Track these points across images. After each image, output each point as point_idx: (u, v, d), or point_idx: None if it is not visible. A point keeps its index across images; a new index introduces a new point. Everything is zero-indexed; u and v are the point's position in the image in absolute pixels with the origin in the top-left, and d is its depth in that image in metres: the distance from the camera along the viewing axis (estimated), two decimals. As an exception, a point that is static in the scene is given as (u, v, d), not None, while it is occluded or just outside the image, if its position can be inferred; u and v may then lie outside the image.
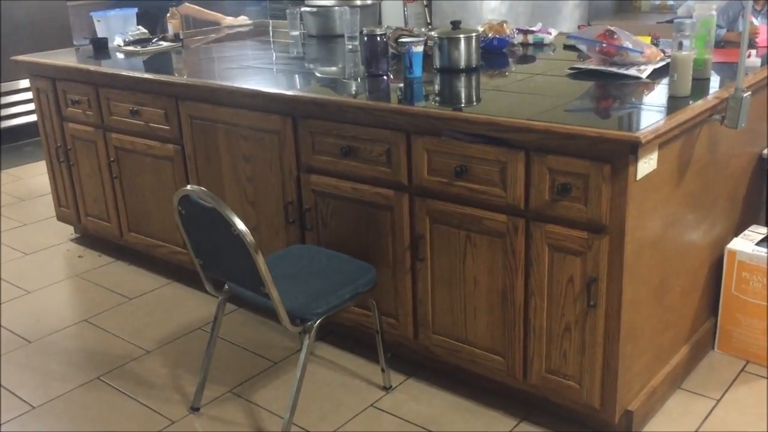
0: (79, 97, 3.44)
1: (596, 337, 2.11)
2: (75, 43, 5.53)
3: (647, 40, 2.74)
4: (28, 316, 3.18)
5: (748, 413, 2.38)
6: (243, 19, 4.65)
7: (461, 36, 2.73)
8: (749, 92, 2.19)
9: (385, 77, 2.76)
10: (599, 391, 2.16)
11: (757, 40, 2.91)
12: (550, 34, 3.23)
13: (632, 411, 2.23)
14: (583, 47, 2.73)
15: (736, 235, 2.66)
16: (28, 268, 3.67)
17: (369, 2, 3.84)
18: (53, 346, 2.95)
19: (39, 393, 2.64)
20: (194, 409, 2.50)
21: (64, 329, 3.07)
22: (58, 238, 3.96)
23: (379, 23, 4.30)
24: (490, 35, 3.05)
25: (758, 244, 2.58)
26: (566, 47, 3.08)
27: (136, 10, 4.56)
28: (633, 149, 1.90)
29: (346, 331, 2.78)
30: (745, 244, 2.58)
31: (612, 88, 2.46)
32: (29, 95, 3.90)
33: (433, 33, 2.83)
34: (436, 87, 2.68)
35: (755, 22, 3.43)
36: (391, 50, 2.89)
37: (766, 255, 2.51)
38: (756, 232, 2.65)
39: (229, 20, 4.62)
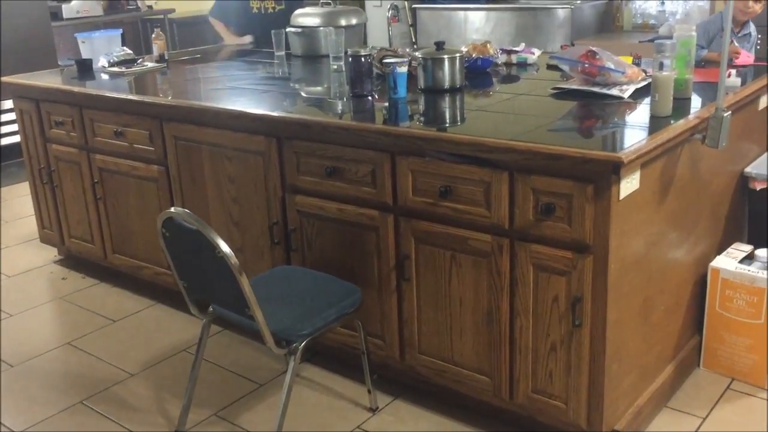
0: (62, 118, 3.43)
1: (582, 356, 2.11)
2: (60, 63, 5.52)
3: (629, 59, 2.77)
4: (11, 340, 3.15)
5: (735, 431, 2.38)
6: (247, 38, 4.55)
7: (445, 56, 2.74)
8: (729, 112, 2.21)
9: (369, 97, 2.77)
10: (585, 410, 2.15)
11: (736, 61, 2.95)
12: (534, 53, 3.26)
13: (619, 430, 2.22)
14: (565, 67, 2.75)
15: (719, 253, 2.67)
16: (11, 290, 3.63)
17: (354, 23, 3.86)
18: (36, 370, 2.91)
19: (21, 418, 2.61)
20: (179, 433, 2.48)
21: (47, 353, 3.04)
22: (41, 260, 3.93)
23: (365, 43, 4.32)
24: (474, 55, 3.07)
25: (741, 261, 2.59)
26: (549, 67, 3.11)
27: (120, 31, 4.56)
28: (615, 169, 1.92)
29: (332, 352, 2.77)
30: (728, 261, 2.59)
31: (594, 108, 2.48)
32: (13, 116, 3.88)
33: (417, 53, 2.85)
34: (421, 107, 2.69)
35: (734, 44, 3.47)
36: (375, 70, 2.90)
37: (749, 273, 2.52)
38: (739, 249, 2.67)
39: (235, 40, 4.53)
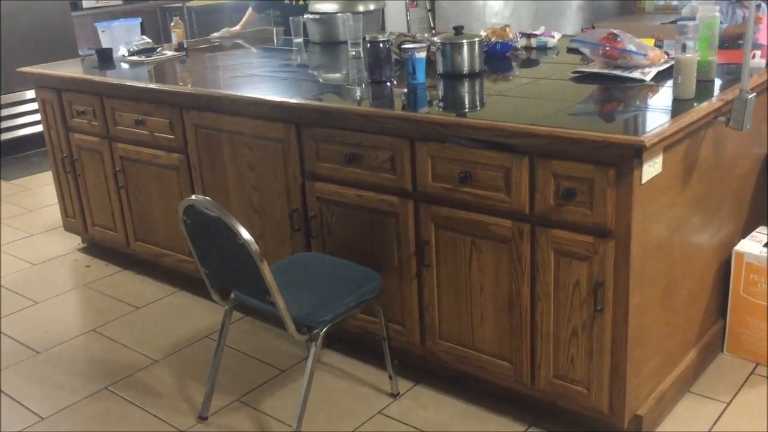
0: (84, 107, 3.45)
1: (604, 341, 2.10)
2: (80, 53, 5.56)
3: (651, 42, 2.73)
4: (36, 327, 3.19)
5: (758, 416, 2.36)
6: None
7: (464, 41, 2.72)
8: (754, 93, 2.17)
9: (388, 83, 2.76)
10: (608, 395, 2.15)
11: (758, 35, 2.87)
12: (554, 37, 3.23)
13: (641, 415, 2.22)
14: (586, 51, 2.72)
15: (744, 236, 2.64)
16: (36, 278, 3.68)
17: (372, 8, 3.84)
18: (61, 357, 2.96)
19: (47, 404, 2.65)
20: (202, 419, 2.50)
21: (72, 339, 3.08)
22: (65, 248, 3.98)
23: (383, 29, 4.31)
24: (493, 40, 3.05)
25: (766, 245, 2.56)
26: (570, 50, 3.08)
27: (140, 20, 4.58)
28: (637, 153, 1.90)
29: (353, 338, 2.78)
30: (752, 245, 2.56)
31: (616, 91, 2.46)
32: (35, 105, 3.91)
33: (435, 38, 2.83)
34: (440, 93, 2.68)
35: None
36: (394, 56, 2.89)
37: (773, 256, 2.49)
38: (763, 233, 2.64)
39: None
